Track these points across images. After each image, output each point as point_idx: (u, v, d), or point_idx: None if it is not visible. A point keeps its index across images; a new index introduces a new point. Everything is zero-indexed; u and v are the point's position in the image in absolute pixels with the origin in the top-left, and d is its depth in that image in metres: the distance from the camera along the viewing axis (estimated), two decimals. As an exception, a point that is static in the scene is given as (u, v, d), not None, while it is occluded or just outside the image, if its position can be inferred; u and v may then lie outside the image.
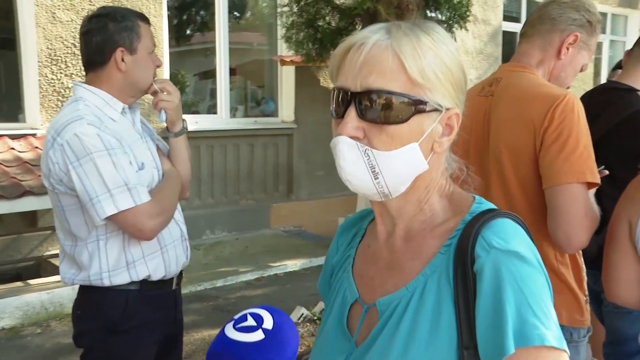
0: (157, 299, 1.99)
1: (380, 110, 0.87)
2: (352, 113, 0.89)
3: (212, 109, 7.06)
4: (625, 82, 2.28)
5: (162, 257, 1.96)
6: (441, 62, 0.89)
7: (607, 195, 2.17)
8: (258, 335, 0.83)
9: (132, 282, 1.91)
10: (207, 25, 7.18)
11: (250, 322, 0.85)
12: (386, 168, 0.89)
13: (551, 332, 0.81)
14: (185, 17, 7.18)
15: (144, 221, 1.80)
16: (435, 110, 0.90)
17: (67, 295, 4.54)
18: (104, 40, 1.87)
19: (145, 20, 1.95)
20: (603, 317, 2.36)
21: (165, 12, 6.45)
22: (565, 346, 0.83)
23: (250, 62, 7.94)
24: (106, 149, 1.77)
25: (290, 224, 7.47)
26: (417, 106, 0.88)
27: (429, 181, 0.96)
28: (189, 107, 7.01)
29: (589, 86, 10.27)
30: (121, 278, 1.89)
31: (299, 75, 7.44)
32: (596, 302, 2.27)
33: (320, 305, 4.62)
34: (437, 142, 0.93)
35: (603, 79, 11.18)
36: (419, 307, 0.90)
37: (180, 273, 2.10)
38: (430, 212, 0.97)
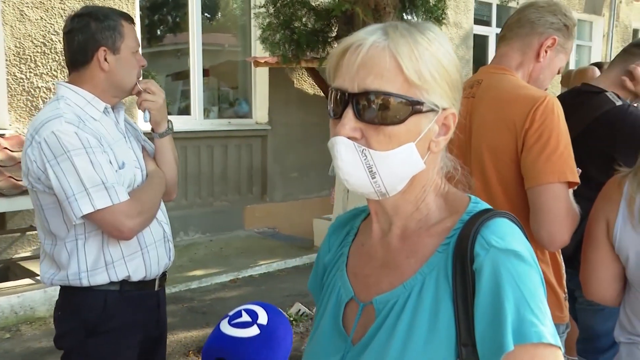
0: (138, 300, 1.96)
1: (378, 111, 0.88)
2: (349, 114, 0.89)
3: (185, 110, 7.01)
4: (598, 85, 2.34)
5: (143, 257, 1.94)
6: (438, 63, 0.90)
7: (581, 195, 2.22)
8: (254, 331, 0.83)
9: (112, 283, 1.88)
10: (180, 26, 7.12)
11: (245, 318, 0.85)
12: (383, 168, 0.90)
13: (547, 329, 0.83)
14: (157, 17, 7.11)
15: (122, 221, 1.78)
16: (432, 110, 0.91)
17: (38, 299, 4.44)
18: (86, 39, 1.85)
19: (129, 19, 1.93)
20: (577, 314, 2.42)
21: (137, 13, 6.38)
22: (559, 342, 0.84)
23: (223, 63, 7.91)
24: (84, 147, 1.75)
25: (264, 225, 7.45)
26: (414, 107, 0.89)
27: (426, 180, 0.97)
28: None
29: (557, 88, 10.49)
30: (100, 278, 1.86)
31: (272, 77, 7.43)
32: (570, 300, 2.32)
33: (297, 306, 4.62)
34: (433, 141, 0.94)
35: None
36: (417, 305, 0.91)
37: (164, 274, 2.07)
38: (427, 210, 0.98)
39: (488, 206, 0.96)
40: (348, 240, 1.11)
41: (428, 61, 0.89)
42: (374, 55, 0.88)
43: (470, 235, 0.89)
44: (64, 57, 1.93)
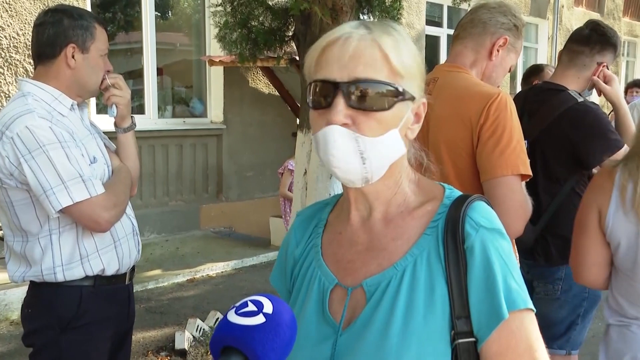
0: (111, 294, 1.98)
1: (368, 98, 0.94)
2: (341, 102, 0.94)
3: (139, 110, 6.90)
4: (557, 82, 2.46)
5: (116, 250, 1.96)
6: (413, 56, 0.99)
7: (543, 189, 2.34)
8: (260, 319, 0.87)
9: (86, 278, 1.89)
10: (133, 25, 7.02)
11: (251, 307, 0.88)
12: (374, 152, 0.96)
13: (527, 296, 0.96)
14: (110, 15, 6.98)
15: (99, 213, 1.80)
16: (410, 99, 0.99)
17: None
18: (57, 34, 1.86)
19: (102, 24, 1.96)
20: (534, 303, 2.54)
21: (89, 10, 6.26)
22: (533, 306, 0.97)
23: (177, 62, 7.83)
24: (59, 142, 1.76)
25: (220, 225, 7.42)
26: (399, 94, 0.96)
27: (401, 166, 1.04)
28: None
29: (506, 88, 10.81)
30: (76, 272, 1.87)
31: (227, 76, 7.41)
32: (528, 290, 2.43)
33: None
34: (409, 129, 1.02)
35: (518, 81, 11.79)
36: (412, 284, 0.97)
37: (133, 268, 2.10)
38: (403, 195, 1.05)
39: (459, 192, 1.06)
40: (318, 232, 1.14)
41: (407, 54, 0.98)
42: (363, 47, 0.94)
43: (459, 218, 0.98)
44: (31, 50, 1.93)
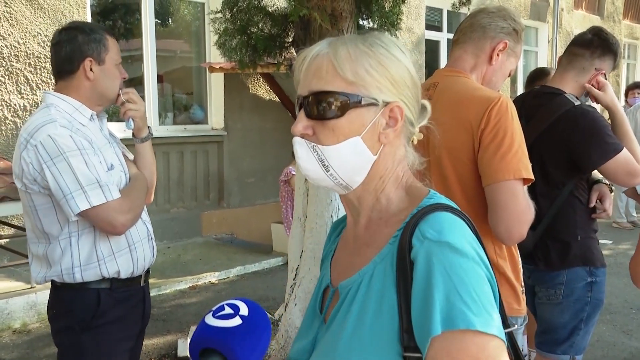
0: (127, 296, 2.08)
1: (321, 107, 1.00)
2: (302, 114, 1.03)
3: (139, 117, 6.88)
4: (555, 86, 2.45)
5: (131, 254, 2.05)
6: (376, 63, 1.01)
7: (541, 193, 2.32)
8: (236, 321, 0.91)
9: (103, 280, 2.00)
10: (133, 32, 7.03)
11: (228, 310, 0.93)
12: (334, 161, 1.01)
13: (479, 318, 0.85)
14: (110, 23, 6.99)
15: (115, 216, 1.91)
16: (372, 104, 1.01)
17: None
18: (73, 50, 1.98)
19: (112, 35, 2.08)
20: (535, 308, 2.52)
21: (89, 18, 6.29)
22: (496, 332, 0.86)
23: (177, 69, 7.84)
24: (78, 149, 1.88)
25: (222, 231, 7.42)
26: (352, 101, 1.00)
27: (383, 171, 1.05)
28: (117, 115, 6.82)
29: (506, 92, 10.81)
30: (92, 273, 1.97)
31: (228, 83, 7.42)
32: (530, 295, 2.42)
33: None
34: (382, 133, 1.03)
35: (519, 85, 11.81)
36: (367, 291, 0.99)
37: (147, 270, 2.19)
38: (386, 201, 1.05)
39: (444, 201, 1.02)
40: (339, 236, 1.22)
41: (365, 61, 1.01)
42: (316, 62, 1.02)
43: (409, 228, 0.96)
44: (52, 68, 2.07)
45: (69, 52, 1.98)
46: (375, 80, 1.00)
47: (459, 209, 1.02)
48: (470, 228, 0.98)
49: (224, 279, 5.89)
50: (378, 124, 1.01)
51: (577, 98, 2.38)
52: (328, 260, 1.19)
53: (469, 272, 0.89)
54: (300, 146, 1.03)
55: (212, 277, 5.83)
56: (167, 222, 6.84)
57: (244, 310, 0.93)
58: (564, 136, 2.30)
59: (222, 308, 0.94)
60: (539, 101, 2.44)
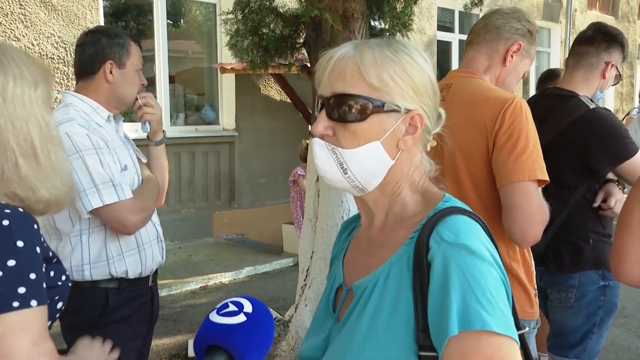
0: (135, 296, 2.10)
1: (343, 110, 1.02)
2: (323, 114, 1.04)
3: (151, 117, 6.92)
4: (566, 88, 2.42)
5: (139, 255, 2.08)
6: (401, 70, 1.03)
7: (553, 195, 2.30)
8: (241, 318, 0.93)
9: (111, 280, 2.02)
10: (145, 33, 7.06)
11: (232, 307, 0.94)
12: (352, 164, 1.03)
13: (494, 319, 0.88)
14: (122, 24, 7.03)
15: (126, 216, 1.94)
16: (394, 110, 1.02)
17: None
18: (96, 52, 2.03)
19: (136, 41, 2.12)
20: (548, 311, 2.49)
21: (102, 19, 6.32)
22: (511, 333, 0.89)
23: (189, 70, 7.87)
24: (94, 148, 1.92)
25: (232, 232, 7.43)
26: (375, 107, 1.01)
27: (400, 176, 1.07)
28: (129, 115, 6.85)
29: (519, 93, 10.75)
30: (101, 272, 2.00)
31: (239, 83, 7.43)
32: (542, 298, 2.39)
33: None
34: (401, 140, 1.05)
35: (531, 86, 11.73)
36: (383, 291, 1.01)
37: (156, 271, 2.21)
38: (402, 205, 1.08)
39: (459, 204, 1.05)
40: (352, 234, 1.24)
41: (390, 68, 1.02)
42: (341, 65, 1.03)
43: (427, 230, 0.99)
44: (74, 68, 2.12)
45: (91, 54, 2.03)
46: (399, 87, 1.02)
47: (474, 212, 1.03)
48: (484, 231, 1.00)
49: (234, 279, 5.90)
50: (398, 130, 1.03)
51: (591, 100, 2.36)
52: (339, 259, 1.21)
53: (484, 274, 0.92)
54: (320, 147, 1.04)
55: (222, 278, 5.84)
56: (178, 222, 6.86)
57: (247, 307, 0.95)
58: (580, 139, 2.27)
59: (226, 305, 0.96)
60: (551, 103, 2.41)
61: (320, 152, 1.04)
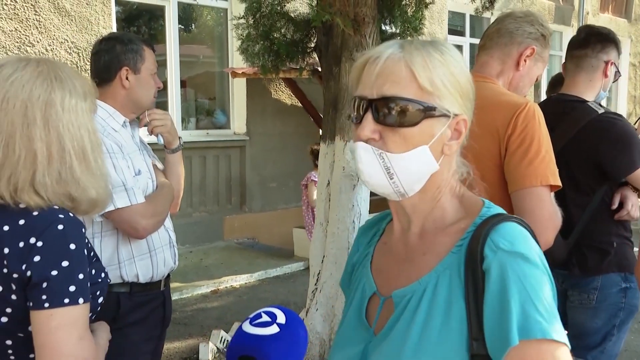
0: (147, 300, 2.11)
1: (394, 114, 0.98)
2: (369, 117, 1.00)
3: (163, 121, 6.95)
4: (572, 93, 2.42)
5: (151, 259, 2.09)
6: (449, 73, 1.00)
7: (573, 201, 2.30)
8: (274, 329, 0.91)
9: (123, 284, 2.03)
10: (157, 38, 7.11)
11: (265, 318, 0.93)
12: (400, 169, 0.99)
13: (552, 327, 0.89)
14: (134, 29, 7.08)
15: (138, 220, 1.95)
16: (444, 115, 1.00)
17: None
18: (111, 59, 2.06)
19: (150, 46, 2.15)
20: (567, 312, 2.49)
21: (114, 25, 6.37)
22: (565, 339, 0.90)
23: (200, 75, 7.91)
24: (108, 152, 1.93)
25: (243, 236, 7.44)
26: (427, 111, 0.98)
27: (440, 181, 1.05)
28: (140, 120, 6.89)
29: (530, 97, 10.68)
30: (112, 275, 1.99)
31: (250, 88, 7.46)
32: (562, 299, 2.40)
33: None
34: (446, 145, 1.02)
35: (543, 90, 11.67)
36: (432, 300, 0.98)
37: (168, 275, 2.21)
38: (442, 210, 1.06)
39: (501, 210, 1.04)
40: (374, 240, 1.20)
41: (440, 71, 0.99)
42: (390, 65, 0.99)
43: (480, 238, 0.97)
44: (90, 76, 2.13)
45: (107, 61, 2.06)
46: (448, 91, 1.00)
47: (521, 218, 1.03)
48: (534, 237, 1.00)
49: (245, 283, 5.91)
50: (444, 135, 1.01)
51: (600, 105, 2.36)
52: (366, 266, 1.16)
53: (540, 281, 0.93)
54: (366, 152, 0.99)
55: (233, 282, 5.84)
56: (189, 226, 6.88)
57: (281, 318, 0.94)
58: (592, 145, 2.27)
59: (259, 315, 0.95)
60: (559, 109, 2.40)
61: (366, 156, 1.00)
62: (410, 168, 0.99)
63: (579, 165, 2.29)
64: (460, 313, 0.95)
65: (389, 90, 0.98)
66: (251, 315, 0.95)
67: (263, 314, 0.94)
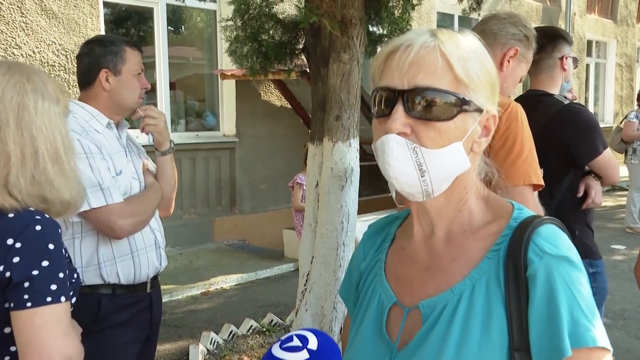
0: (130, 302, 2.09)
1: (429, 107, 0.90)
2: (399, 110, 0.91)
3: (152, 123, 6.94)
4: (537, 88, 2.55)
5: (133, 260, 2.07)
6: (482, 65, 0.94)
7: (556, 191, 2.37)
8: (303, 355, 0.88)
9: (104, 285, 2.01)
10: (146, 40, 7.09)
11: (296, 342, 0.90)
12: (433, 166, 0.91)
13: (600, 333, 0.87)
14: (122, 31, 7.06)
15: (114, 220, 1.95)
16: (477, 110, 0.93)
17: None
18: (91, 62, 2.08)
19: (134, 46, 2.15)
20: None
21: (102, 26, 6.35)
22: (610, 346, 0.87)
23: (189, 76, 7.89)
24: (84, 153, 1.94)
25: (234, 238, 7.44)
26: (463, 105, 0.91)
27: (467, 181, 0.98)
28: (129, 122, 6.86)
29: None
30: (92, 275, 1.99)
31: (239, 89, 7.46)
32: None
33: (269, 317, 4.63)
34: (476, 142, 0.96)
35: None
36: (469, 310, 0.91)
37: (155, 277, 2.19)
38: (468, 213, 0.99)
39: (531, 212, 0.98)
40: (385, 246, 1.11)
41: (474, 62, 0.93)
42: (424, 54, 0.91)
43: (522, 242, 0.90)
44: (76, 78, 2.18)
45: (87, 64, 2.08)
46: (482, 84, 0.93)
47: (555, 218, 0.99)
48: (568, 237, 0.96)
49: (235, 284, 5.90)
50: (475, 131, 0.95)
51: (565, 97, 2.51)
52: (380, 275, 1.07)
53: (585, 286, 0.89)
54: (399, 145, 0.90)
55: (224, 283, 5.84)
56: (179, 228, 6.87)
57: (312, 343, 0.90)
58: (561, 132, 2.37)
59: (290, 339, 0.91)
60: (529, 104, 2.46)
61: (399, 150, 0.90)
62: (443, 166, 0.91)
63: (553, 153, 2.39)
64: (500, 323, 0.89)
65: (423, 81, 0.90)
66: (283, 338, 0.92)
67: (295, 337, 0.91)
